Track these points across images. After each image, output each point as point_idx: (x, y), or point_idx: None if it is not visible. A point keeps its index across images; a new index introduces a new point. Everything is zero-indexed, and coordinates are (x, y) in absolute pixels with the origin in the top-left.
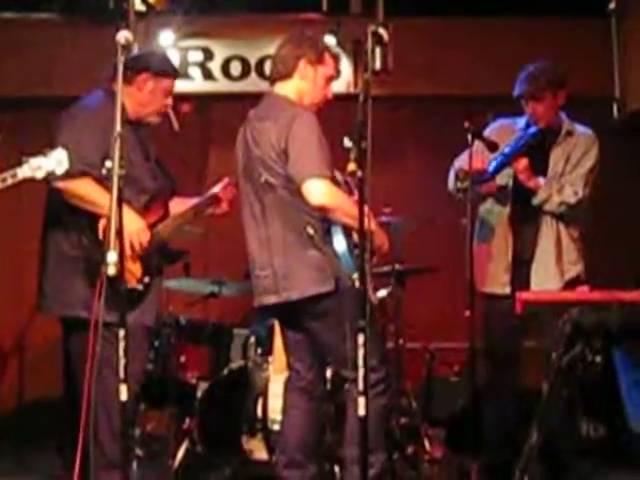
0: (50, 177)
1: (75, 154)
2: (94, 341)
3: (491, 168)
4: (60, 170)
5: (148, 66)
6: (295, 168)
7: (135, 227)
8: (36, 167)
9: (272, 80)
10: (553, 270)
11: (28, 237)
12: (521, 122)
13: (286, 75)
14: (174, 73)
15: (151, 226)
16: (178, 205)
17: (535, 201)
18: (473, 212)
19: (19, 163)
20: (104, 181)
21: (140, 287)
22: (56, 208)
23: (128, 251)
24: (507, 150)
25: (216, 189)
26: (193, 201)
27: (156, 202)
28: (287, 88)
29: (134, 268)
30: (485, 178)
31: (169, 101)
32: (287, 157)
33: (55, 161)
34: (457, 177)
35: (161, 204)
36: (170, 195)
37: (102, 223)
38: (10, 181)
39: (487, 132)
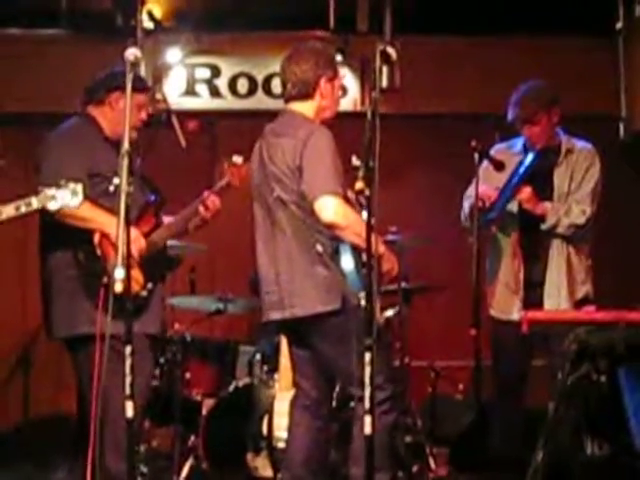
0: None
1: (62, 175)
2: (101, 354)
3: (500, 205)
4: (75, 202)
5: (118, 84)
6: (308, 185)
7: (132, 235)
8: (51, 197)
9: (288, 99)
10: (565, 292)
11: (33, 252)
12: (518, 144)
13: (307, 96)
14: (144, 87)
15: (145, 236)
16: (167, 219)
17: (544, 226)
18: (479, 231)
19: (34, 192)
20: (95, 197)
21: (144, 293)
22: (49, 229)
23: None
24: (511, 184)
25: (201, 198)
26: (180, 213)
27: (146, 213)
28: (306, 107)
29: (136, 275)
30: (493, 217)
31: (143, 115)
32: (301, 173)
33: (70, 193)
34: (471, 217)
35: (151, 215)
36: (159, 206)
37: (96, 236)
38: (24, 209)
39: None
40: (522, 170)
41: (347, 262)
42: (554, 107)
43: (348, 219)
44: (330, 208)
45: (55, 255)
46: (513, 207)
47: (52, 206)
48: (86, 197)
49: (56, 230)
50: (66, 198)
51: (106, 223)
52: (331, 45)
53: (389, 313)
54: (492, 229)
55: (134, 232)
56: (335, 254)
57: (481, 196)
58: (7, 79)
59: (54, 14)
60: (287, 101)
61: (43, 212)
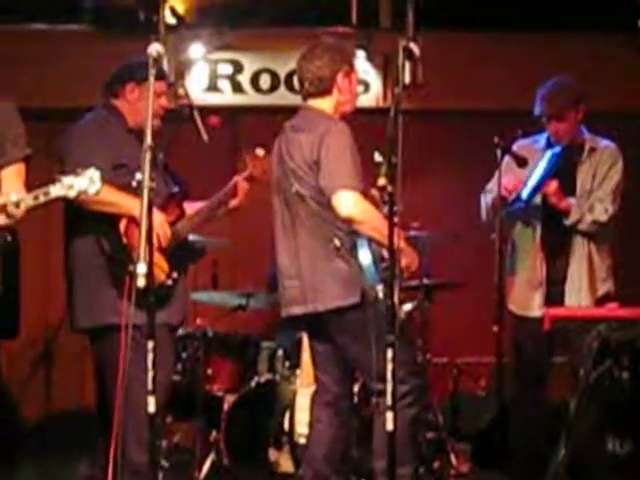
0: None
1: (88, 164)
2: (125, 345)
3: (525, 195)
4: (93, 189)
5: (131, 76)
6: (326, 179)
7: (157, 221)
8: (69, 186)
9: (306, 96)
10: (586, 289)
11: (57, 244)
12: (542, 140)
13: (325, 92)
14: (160, 75)
15: (169, 225)
16: (191, 208)
17: (568, 222)
18: (502, 227)
19: (52, 181)
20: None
21: (169, 282)
22: (74, 218)
23: (155, 244)
24: (540, 175)
25: (230, 185)
26: (207, 201)
27: (170, 204)
28: (325, 103)
29: (161, 263)
30: (519, 207)
31: (163, 102)
32: (319, 168)
33: (88, 180)
34: (494, 210)
35: (175, 205)
36: (183, 198)
37: (122, 224)
38: (42, 199)
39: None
40: (548, 164)
41: (364, 257)
42: (581, 104)
43: (366, 213)
44: (348, 202)
45: (79, 243)
46: (537, 200)
47: (70, 194)
48: (104, 183)
49: (81, 218)
50: (84, 185)
51: (132, 206)
52: (346, 40)
53: (408, 307)
54: (515, 224)
55: (161, 216)
56: (353, 249)
57: (505, 186)
58: (30, 74)
59: (77, 10)
60: (305, 98)
61: (67, 200)
